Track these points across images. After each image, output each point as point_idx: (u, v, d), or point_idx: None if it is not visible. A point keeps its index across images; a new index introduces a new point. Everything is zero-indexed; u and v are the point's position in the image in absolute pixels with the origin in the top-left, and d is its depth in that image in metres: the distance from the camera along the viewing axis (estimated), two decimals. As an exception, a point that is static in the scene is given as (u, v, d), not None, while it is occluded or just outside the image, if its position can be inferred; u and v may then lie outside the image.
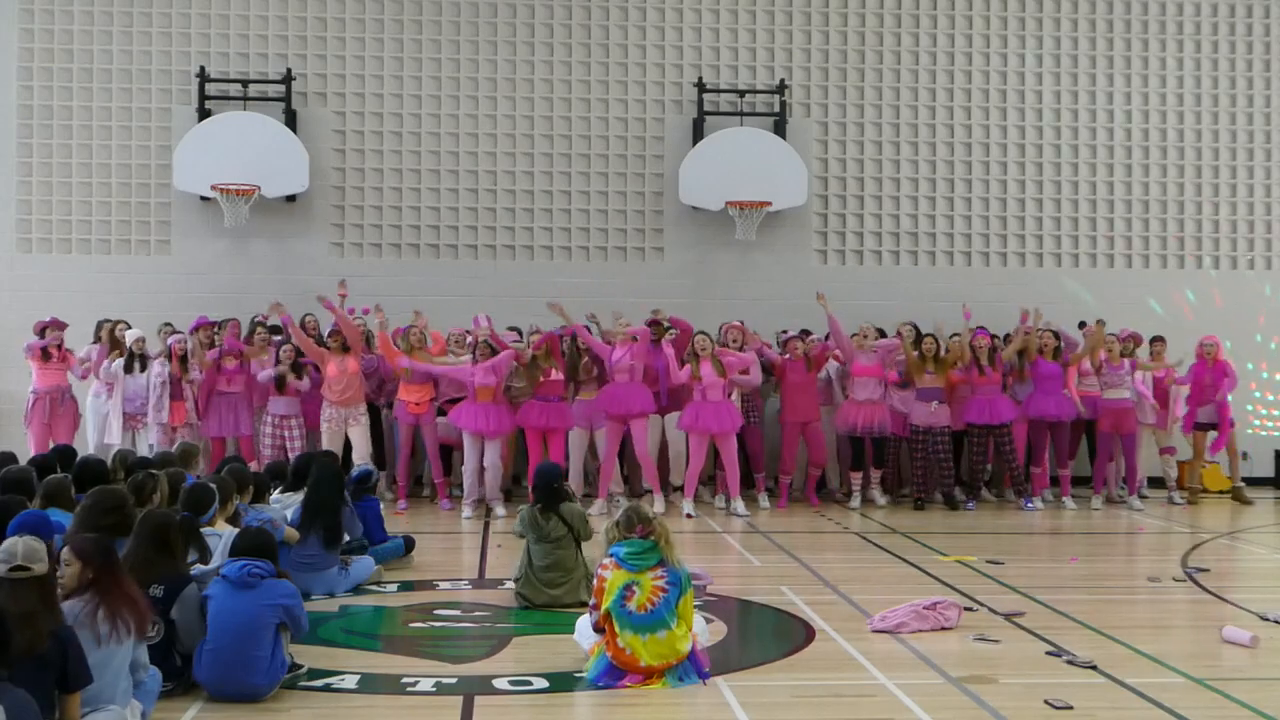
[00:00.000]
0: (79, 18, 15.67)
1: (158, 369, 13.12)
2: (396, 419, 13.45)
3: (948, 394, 13.62)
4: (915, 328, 14.15)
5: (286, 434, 13.26)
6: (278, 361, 13.34)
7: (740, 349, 13.39)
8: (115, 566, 5.47)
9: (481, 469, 12.85)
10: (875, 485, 13.90)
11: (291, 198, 15.48)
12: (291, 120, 15.53)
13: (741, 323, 13.87)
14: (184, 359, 13.20)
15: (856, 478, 13.86)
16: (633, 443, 13.16)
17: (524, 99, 16.09)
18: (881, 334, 14.09)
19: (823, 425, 13.77)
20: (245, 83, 15.59)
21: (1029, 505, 13.73)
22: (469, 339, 13.44)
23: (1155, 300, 16.12)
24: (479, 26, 16.09)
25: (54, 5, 15.64)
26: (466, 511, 12.75)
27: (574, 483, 12.69)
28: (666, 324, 13.80)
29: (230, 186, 14.82)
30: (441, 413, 13.32)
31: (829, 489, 14.54)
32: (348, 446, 13.17)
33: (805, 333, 14.34)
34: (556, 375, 13.06)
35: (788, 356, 13.62)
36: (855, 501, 13.78)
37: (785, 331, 14.55)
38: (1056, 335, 14.11)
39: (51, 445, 12.13)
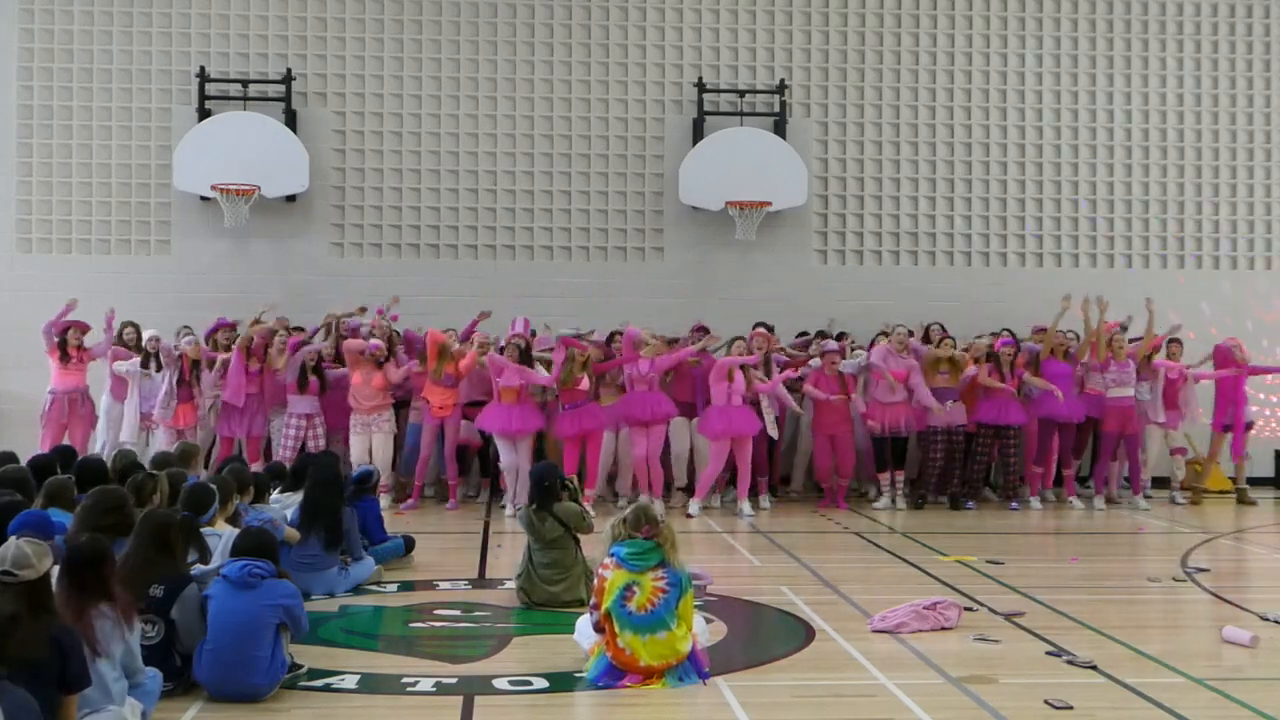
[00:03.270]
0: (79, 18, 15.66)
1: (165, 372, 13.16)
2: (422, 421, 13.39)
3: (962, 395, 13.66)
4: (942, 327, 14.23)
5: (311, 433, 13.24)
6: (300, 363, 13.27)
7: (767, 358, 13.37)
8: (82, 588, 5.27)
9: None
10: (899, 488, 13.81)
11: (291, 198, 15.47)
12: (291, 120, 15.52)
13: (768, 329, 13.82)
14: (195, 363, 13.24)
15: (884, 478, 13.84)
16: (646, 447, 12.97)
17: (524, 99, 16.08)
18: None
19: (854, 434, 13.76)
20: (245, 83, 15.58)
21: (1015, 507, 13.78)
22: (499, 340, 13.38)
23: (1154, 299, 16.06)
24: (479, 26, 16.08)
25: (54, 5, 15.64)
26: (509, 510, 12.53)
27: (600, 484, 12.72)
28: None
29: (230, 186, 14.82)
30: (464, 415, 13.32)
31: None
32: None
33: (821, 335, 14.41)
34: (585, 383, 12.92)
35: (820, 369, 13.50)
36: (882, 502, 13.77)
37: (805, 334, 14.53)
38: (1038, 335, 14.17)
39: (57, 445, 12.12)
